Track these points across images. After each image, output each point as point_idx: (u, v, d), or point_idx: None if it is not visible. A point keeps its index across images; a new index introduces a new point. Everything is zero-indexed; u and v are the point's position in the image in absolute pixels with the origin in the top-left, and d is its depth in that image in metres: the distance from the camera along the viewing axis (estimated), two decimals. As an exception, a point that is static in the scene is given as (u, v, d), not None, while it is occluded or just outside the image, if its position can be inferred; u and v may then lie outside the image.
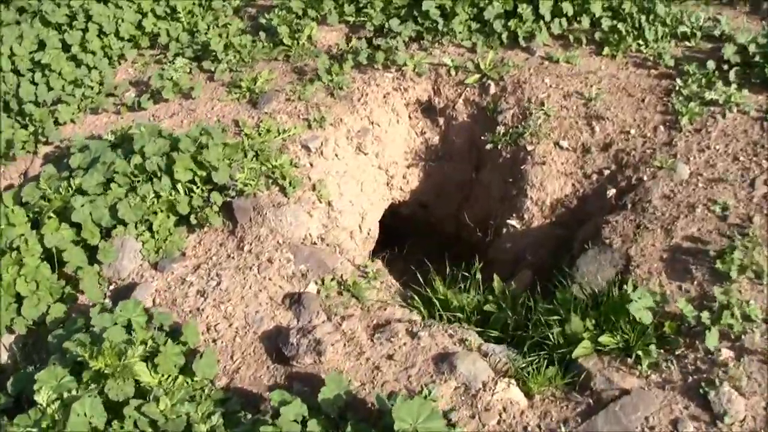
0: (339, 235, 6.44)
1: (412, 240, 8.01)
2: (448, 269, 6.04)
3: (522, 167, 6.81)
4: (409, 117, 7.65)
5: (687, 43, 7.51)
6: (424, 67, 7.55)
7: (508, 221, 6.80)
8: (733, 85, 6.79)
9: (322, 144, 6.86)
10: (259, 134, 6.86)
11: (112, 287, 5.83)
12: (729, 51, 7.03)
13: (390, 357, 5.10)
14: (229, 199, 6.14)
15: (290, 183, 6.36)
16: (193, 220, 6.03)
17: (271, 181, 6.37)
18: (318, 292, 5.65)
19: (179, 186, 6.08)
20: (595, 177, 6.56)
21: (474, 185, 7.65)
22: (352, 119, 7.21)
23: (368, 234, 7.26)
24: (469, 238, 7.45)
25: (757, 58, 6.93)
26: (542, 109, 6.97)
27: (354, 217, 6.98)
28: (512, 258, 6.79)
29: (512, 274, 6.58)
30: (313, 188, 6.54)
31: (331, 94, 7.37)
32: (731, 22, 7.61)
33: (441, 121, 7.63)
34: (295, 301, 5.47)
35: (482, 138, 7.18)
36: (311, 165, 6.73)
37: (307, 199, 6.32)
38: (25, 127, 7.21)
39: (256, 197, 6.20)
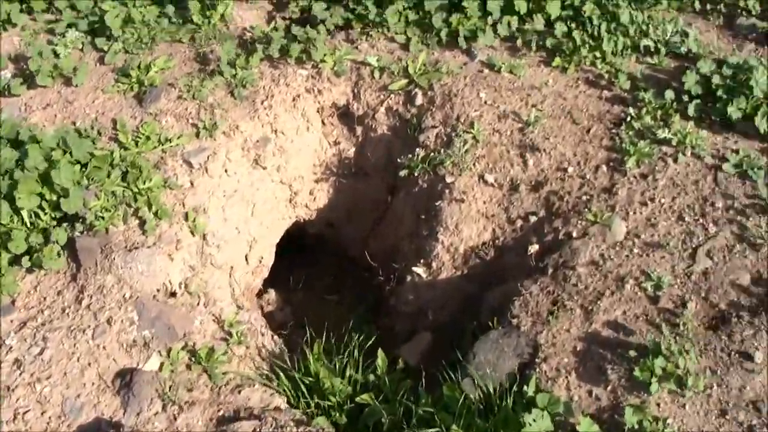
0: (210, 277, 5.49)
1: (318, 262, 7.10)
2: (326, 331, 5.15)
3: (437, 203, 5.84)
4: (323, 123, 6.64)
5: (649, 60, 6.53)
6: (345, 66, 6.51)
7: (414, 269, 5.85)
8: (691, 123, 5.87)
9: (208, 158, 5.88)
10: (136, 143, 5.86)
11: None
12: (690, 81, 6.08)
13: (220, 478, 4.21)
14: (78, 235, 5.16)
15: (156, 213, 5.40)
16: (26, 261, 5.05)
17: (132, 210, 5.39)
18: (161, 366, 4.73)
19: (23, 213, 5.10)
20: (519, 223, 5.62)
21: (387, 211, 6.67)
22: (251, 126, 6.21)
23: (260, 262, 6.34)
24: (375, 275, 6.47)
25: (720, 93, 5.97)
26: (471, 132, 5.99)
27: (239, 247, 6.04)
28: (415, 311, 5.86)
29: (413, 332, 5.68)
30: (186, 217, 5.58)
31: (232, 92, 6.34)
32: (701, 36, 6.68)
33: (359, 130, 6.62)
34: (125, 383, 4.56)
35: (399, 160, 6.18)
36: (192, 185, 5.77)
37: (171, 238, 5.35)
38: None
39: (108, 234, 5.22)
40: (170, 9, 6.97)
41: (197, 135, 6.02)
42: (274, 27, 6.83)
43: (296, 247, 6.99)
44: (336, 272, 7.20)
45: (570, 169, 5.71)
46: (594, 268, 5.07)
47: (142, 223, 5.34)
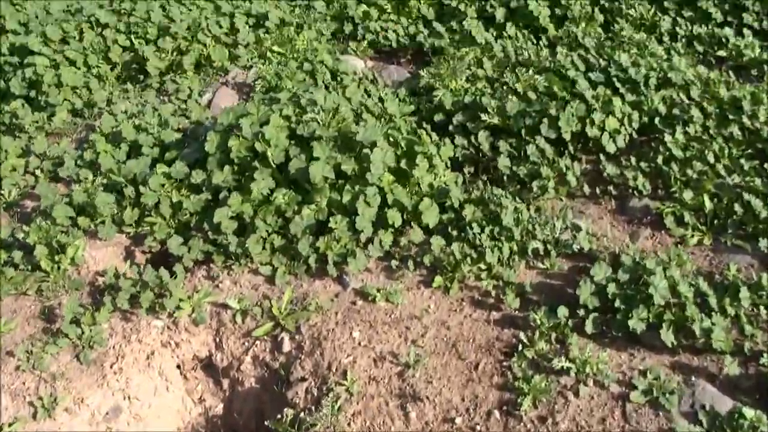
0: None
1: None
2: None
3: (310, 485, 5.05)
4: (185, 378, 5.88)
5: (539, 264, 5.92)
6: (204, 312, 5.82)
7: None
8: (591, 343, 5.21)
9: (48, 446, 5.09)
10: (-35, 438, 5.06)
11: None
12: (585, 293, 5.49)
13: None
14: None
15: None
16: None
17: None
18: None
19: None
20: (407, 503, 4.86)
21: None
22: (99, 396, 5.44)
23: None
24: None
25: (617, 303, 5.35)
26: (344, 384, 5.26)
27: None
28: None
29: None
30: None
31: (78, 356, 5.59)
32: (594, 226, 6.14)
33: (225, 384, 5.86)
34: None
35: (266, 423, 5.41)
36: (27, 485, 4.95)
37: None
38: None
39: None
40: (17, 254, 6.26)
41: (34, 416, 5.27)
42: (127, 269, 6.14)
43: None
44: None
45: (458, 420, 5.01)
46: None
47: None
